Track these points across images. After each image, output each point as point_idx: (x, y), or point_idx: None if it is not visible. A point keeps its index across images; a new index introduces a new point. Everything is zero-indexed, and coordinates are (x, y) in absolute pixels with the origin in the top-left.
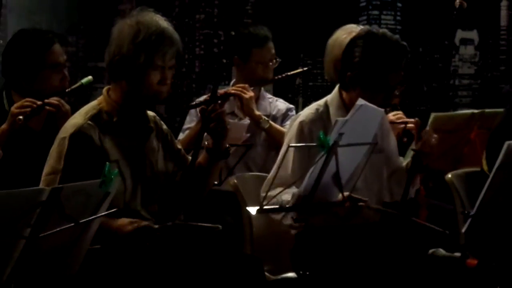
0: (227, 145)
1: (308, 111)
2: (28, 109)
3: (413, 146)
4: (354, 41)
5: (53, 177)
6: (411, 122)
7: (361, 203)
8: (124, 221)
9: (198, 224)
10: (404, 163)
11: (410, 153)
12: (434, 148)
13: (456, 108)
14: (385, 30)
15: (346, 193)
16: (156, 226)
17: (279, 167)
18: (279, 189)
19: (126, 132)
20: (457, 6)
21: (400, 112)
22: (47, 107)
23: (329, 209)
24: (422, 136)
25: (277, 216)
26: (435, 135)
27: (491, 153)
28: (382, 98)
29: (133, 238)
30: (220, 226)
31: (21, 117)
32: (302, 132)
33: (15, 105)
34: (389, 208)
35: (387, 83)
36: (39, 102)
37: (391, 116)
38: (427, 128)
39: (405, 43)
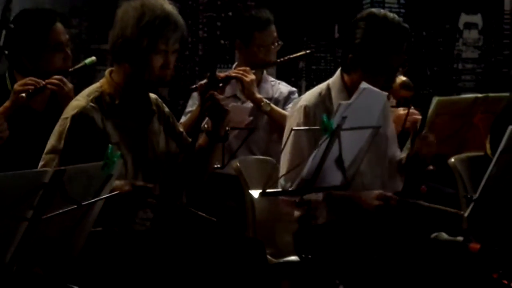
0: (227, 128)
1: (310, 95)
2: (31, 87)
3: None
4: (355, 22)
5: (53, 157)
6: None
7: (392, 202)
8: (119, 182)
9: (194, 211)
10: (401, 156)
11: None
12: (431, 153)
13: (460, 93)
14: (387, 12)
15: (377, 192)
16: (151, 185)
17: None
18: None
19: (128, 114)
20: None
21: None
22: (49, 86)
23: (359, 207)
24: (419, 141)
25: (289, 210)
26: (432, 139)
27: (495, 137)
28: (384, 80)
29: (132, 196)
30: (215, 219)
31: (23, 94)
32: (308, 116)
33: (18, 82)
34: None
35: (388, 65)
36: (42, 83)
37: (402, 110)
38: (424, 131)
39: (406, 25)
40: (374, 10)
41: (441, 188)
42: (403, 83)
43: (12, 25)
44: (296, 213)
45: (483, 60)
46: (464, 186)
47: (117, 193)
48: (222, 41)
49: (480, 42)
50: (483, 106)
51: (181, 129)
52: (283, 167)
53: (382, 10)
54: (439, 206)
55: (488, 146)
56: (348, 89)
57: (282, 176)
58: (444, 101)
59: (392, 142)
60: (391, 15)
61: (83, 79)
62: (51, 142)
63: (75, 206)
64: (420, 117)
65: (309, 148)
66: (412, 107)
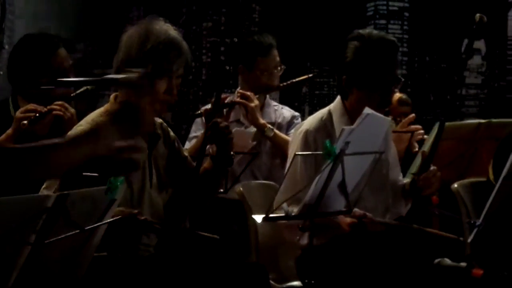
0: (232, 153)
1: (312, 119)
2: (32, 114)
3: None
4: (344, 44)
5: (54, 181)
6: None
7: (365, 219)
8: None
9: (196, 231)
10: (405, 181)
11: (414, 166)
12: (435, 188)
13: (463, 118)
14: (373, 30)
15: (355, 210)
16: (143, 218)
17: (286, 177)
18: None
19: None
20: (477, 20)
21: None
22: (53, 112)
23: (333, 228)
24: (425, 178)
25: (294, 238)
26: (438, 174)
27: (498, 162)
28: (380, 97)
29: (117, 225)
30: (217, 237)
31: (25, 121)
32: (307, 141)
33: (20, 110)
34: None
35: (381, 80)
36: (44, 109)
37: (399, 128)
38: (432, 168)
39: (393, 39)
40: (360, 30)
41: (450, 215)
42: (400, 99)
43: (6, 47)
44: (299, 238)
45: (487, 86)
46: (467, 212)
47: (119, 218)
48: (227, 67)
49: (483, 68)
50: (486, 132)
51: (186, 154)
52: (284, 192)
53: (368, 30)
54: (439, 231)
55: (491, 171)
56: (349, 113)
57: (284, 201)
58: (447, 126)
59: (393, 166)
60: (375, 31)
61: (87, 104)
62: None
63: (78, 231)
64: (423, 133)
65: (306, 174)
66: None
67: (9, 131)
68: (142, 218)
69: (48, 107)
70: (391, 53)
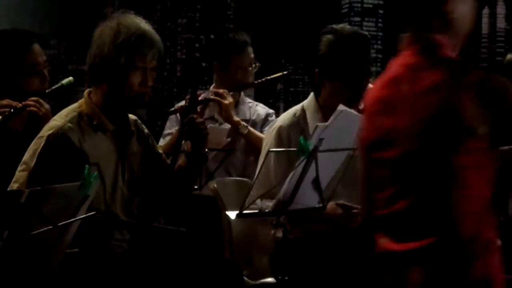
0: (206, 150)
1: (285, 116)
2: (7, 109)
3: None
4: (317, 38)
5: (23, 174)
6: None
7: (355, 211)
8: None
9: (162, 226)
10: None
11: None
12: None
13: None
14: (346, 25)
15: (340, 202)
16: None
17: (259, 174)
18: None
19: (106, 135)
20: None
21: None
22: (27, 109)
23: (322, 217)
24: None
25: (271, 230)
26: None
27: None
28: (351, 89)
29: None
30: (184, 229)
31: None
32: (280, 138)
33: None
34: None
35: (352, 72)
36: (19, 105)
37: None
38: None
39: (366, 33)
40: (333, 25)
41: None
42: None
43: None
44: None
45: None
46: None
47: (93, 214)
48: (203, 64)
49: None
50: None
51: (160, 151)
52: (257, 188)
53: (341, 25)
54: None
55: None
56: (322, 109)
57: (257, 198)
58: None
59: None
60: (349, 27)
61: (61, 100)
62: (24, 159)
63: (51, 227)
64: None
65: (278, 170)
66: None
67: None
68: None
69: (23, 103)
70: (363, 46)
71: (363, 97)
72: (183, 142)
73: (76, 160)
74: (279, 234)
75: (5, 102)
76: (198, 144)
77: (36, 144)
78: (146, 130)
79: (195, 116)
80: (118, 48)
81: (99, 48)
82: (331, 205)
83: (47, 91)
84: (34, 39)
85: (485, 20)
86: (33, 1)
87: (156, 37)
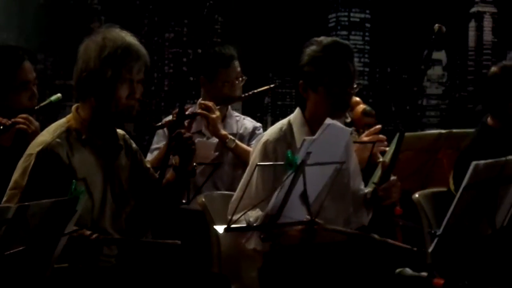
0: (194, 164)
1: (272, 130)
2: None
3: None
4: (301, 51)
5: (15, 192)
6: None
7: (316, 226)
8: None
9: (156, 240)
10: (366, 190)
11: (376, 176)
12: (396, 198)
13: (424, 128)
14: (327, 37)
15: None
16: (95, 236)
17: (246, 187)
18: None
19: (95, 149)
20: (436, 30)
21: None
22: (16, 126)
23: (285, 232)
24: (385, 188)
25: (241, 239)
26: (398, 184)
27: (458, 173)
28: (336, 97)
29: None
30: (179, 242)
31: None
32: (266, 152)
33: None
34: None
35: (336, 82)
36: (8, 122)
37: (364, 137)
38: (392, 178)
39: (346, 42)
40: (316, 38)
41: (411, 224)
42: (364, 111)
43: None
44: (259, 247)
45: (447, 96)
46: (428, 222)
47: (78, 229)
48: (191, 78)
49: (444, 78)
50: (447, 142)
51: (148, 165)
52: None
53: (323, 37)
54: (398, 242)
55: (451, 181)
56: (309, 123)
57: (245, 211)
58: (408, 137)
59: (355, 175)
60: (330, 37)
61: (48, 116)
62: (15, 178)
63: (39, 242)
64: (386, 145)
65: (264, 184)
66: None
67: None
68: (94, 237)
69: (13, 120)
70: (344, 54)
71: (350, 109)
72: (170, 156)
73: (65, 176)
74: (251, 245)
75: None
76: (186, 158)
77: (26, 162)
78: (134, 145)
79: (182, 131)
80: (104, 61)
81: (85, 63)
82: None
83: (36, 107)
84: (25, 56)
85: (472, 34)
86: (19, 16)
87: (142, 49)
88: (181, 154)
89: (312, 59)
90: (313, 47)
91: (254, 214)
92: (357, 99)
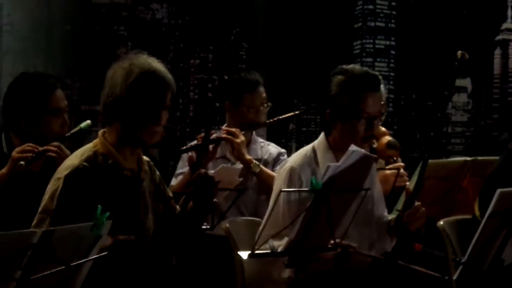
0: (214, 201)
1: (296, 157)
2: (30, 154)
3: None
4: (329, 78)
5: (44, 216)
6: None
7: (351, 249)
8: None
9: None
10: (390, 217)
11: (400, 203)
12: (420, 223)
13: (449, 156)
14: (355, 65)
15: (337, 240)
16: (132, 237)
17: (270, 214)
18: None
19: (120, 175)
20: (459, 57)
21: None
22: (48, 154)
23: (320, 257)
24: (409, 214)
25: (275, 271)
26: (422, 210)
27: (484, 199)
28: (363, 129)
29: (112, 251)
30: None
31: (22, 162)
32: (291, 178)
33: (17, 149)
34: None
35: (363, 111)
36: (40, 148)
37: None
38: (416, 204)
39: (376, 73)
40: (343, 65)
41: (434, 252)
42: (389, 143)
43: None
44: (284, 274)
45: (473, 124)
46: (453, 249)
47: (105, 254)
48: (216, 104)
49: (470, 106)
50: (472, 169)
51: (171, 194)
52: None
53: (351, 65)
54: (424, 269)
55: (476, 208)
56: (333, 149)
57: (270, 237)
58: (433, 164)
59: (378, 202)
60: (358, 66)
61: (75, 140)
62: (44, 202)
63: (64, 267)
64: (408, 180)
65: (289, 210)
66: (402, 169)
67: (4, 170)
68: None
69: (45, 147)
70: (372, 86)
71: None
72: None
73: (91, 200)
74: (285, 274)
75: (28, 147)
76: (205, 198)
77: (55, 185)
78: (157, 173)
79: (202, 171)
80: (130, 87)
81: (111, 88)
82: None
83: (66, 135)
84: (58, 84)
85: (497, 61)
86: (46, 42)
87: (168, 75)
88: (201, 196)
89: (342, 89)
90: (343, 77)
91: (280, 241)
92: (383, 129)
